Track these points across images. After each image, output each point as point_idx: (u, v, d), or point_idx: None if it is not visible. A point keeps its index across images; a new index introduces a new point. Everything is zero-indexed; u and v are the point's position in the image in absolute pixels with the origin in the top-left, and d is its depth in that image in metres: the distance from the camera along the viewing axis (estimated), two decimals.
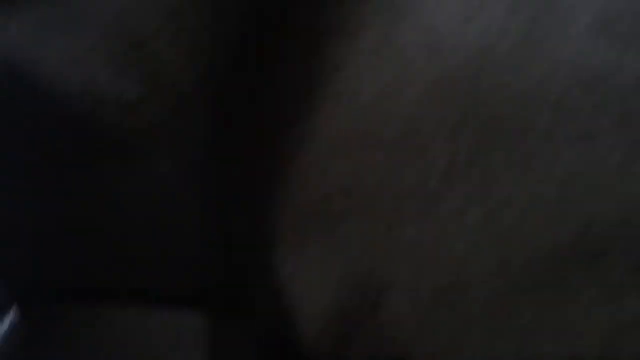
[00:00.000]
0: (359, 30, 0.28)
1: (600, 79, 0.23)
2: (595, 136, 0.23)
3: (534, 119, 0.24)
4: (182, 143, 0.34)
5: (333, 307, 0.30)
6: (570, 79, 0.24)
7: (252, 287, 0.37)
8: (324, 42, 0.28)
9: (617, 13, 0.24)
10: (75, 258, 0.48)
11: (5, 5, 0.31)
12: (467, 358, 0.25)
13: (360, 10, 0.28)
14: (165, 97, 0.32)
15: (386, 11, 0.27)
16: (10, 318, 0.58)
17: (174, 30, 0.31)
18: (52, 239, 0.47)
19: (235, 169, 0.33)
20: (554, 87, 0.24)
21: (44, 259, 0.51)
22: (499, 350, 0.25)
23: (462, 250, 0.25)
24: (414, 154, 0.26)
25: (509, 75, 0.25)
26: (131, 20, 0.31)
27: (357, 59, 0.28)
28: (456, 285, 0.25)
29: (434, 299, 0.26)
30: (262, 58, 0.31)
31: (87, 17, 0.31)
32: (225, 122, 0.33)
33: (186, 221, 0.39)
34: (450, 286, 0.25)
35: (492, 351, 0.25)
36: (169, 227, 0.41)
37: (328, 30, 0.28)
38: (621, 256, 0.23)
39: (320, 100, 0.27)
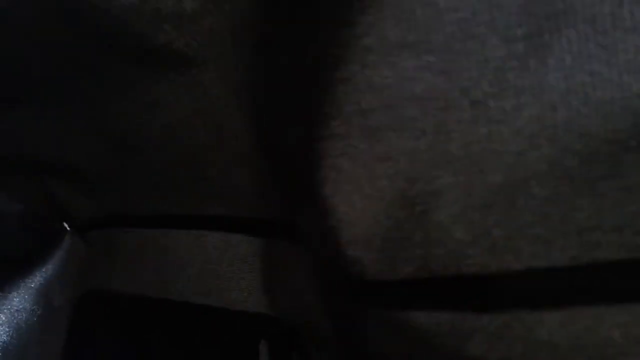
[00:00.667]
0: None
1: None
2: None
3: (596, 8, 0.23)
4: (232, 58, 0.34)
5: (379, 223, 0.29)
6: None
7: (299, 209, 0.37)
8: None
9: None
10: (132, 182, 0.49)
11: None
12: (522, 261, 0.25)
13: None
14: (220, 11, 0.32)
15: None
16: (66, 243, 0.61)
17: None
18: (106, 162, 0.48)
19: (282, 85, 0.33)
20: None
21: (99, 184, 0.52)
22: (555, 252, 0.24)
23: (517, 149, 0.24)
24: (466, 56, 0.25)
25: None
26: None
27: None
28: (511, 184, 0.24)
29: (487, 201, 0.25)
30: None
31: None
32: (273, 34, 0.32)
33: (235, 142, 0.39)
34: (505, 185, 0.25)
35: (548, 254, 0.24)
36: (218, 148, 0.41)
37: None
38: None
39: (363, 7, 0.27)
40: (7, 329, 0.58)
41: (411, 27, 0.26)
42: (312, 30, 0.29)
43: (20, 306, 0.60)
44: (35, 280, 0.61)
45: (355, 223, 0.30)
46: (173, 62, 0.35)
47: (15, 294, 0.60)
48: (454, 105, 0.26)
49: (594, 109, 0.23)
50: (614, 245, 0.23)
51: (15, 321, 0.59)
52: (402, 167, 0.27)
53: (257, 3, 0.32)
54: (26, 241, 0.63)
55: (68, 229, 0.64)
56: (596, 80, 0.23)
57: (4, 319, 0.59)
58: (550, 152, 0.24)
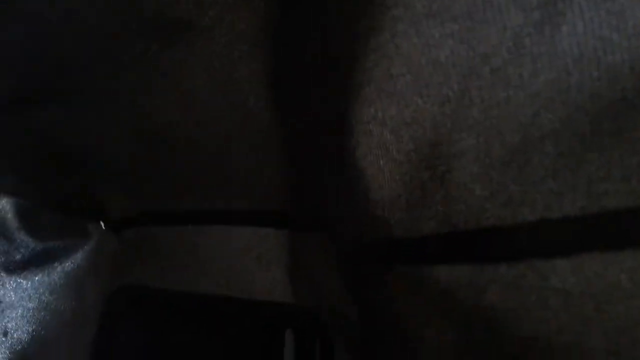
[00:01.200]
0: None
1: None
2: None
3: None
4: (259, 38, 0.36)
5: (404, 185, 0.32)
6: None
7: (326, 190, 0.39)
8: None
9: None
10: (165, 179, 0.52)
11: None
12: (535, 213, 0.27)
13: None
14: None
15: None
16: (100, 240, 0.63)
17: None
18: (140, 159, 0.51)
19: (311, 59, 0.35)
20: None
21: (132, 181, 0.55)
22: (567, 203, 0.26)
23: (533, 111, 0.26)
24: (486, 24, 0.27)
25: None
26: None
27: None
28: (527, 143, 0.27)
29: (505, 160, 0.27)
30: None
31: None
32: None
33: (263, 135, 0.41)
34: (521, 144, 0.27)
35: (560, 205, 0.26)
36: (248, 143, 0.43)
37: None
38: None
39: None
40: (40, 322, 0.61)
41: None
42: (342, 4, 0.31)
43: (54, 300, 0.62)
44: (69, 275, 0.64)
45: (383, 185, 0.33)
46: (196, 40, 0.37)
47: (49, 288, 0.63)
48: (475, 72, 0.28)
49: (605, 72, 0.25)
50: (622, 194, 0.25)
51: (48, 314, 0.62)
52: (427, 132, 0.30)
53: None
54: (61, 237, 0.65)
55: (102, 226, 0.66)
56: (606, 45, 0.25)
57: (37, 312, 0.61)
58: (563, 113, 0.26)
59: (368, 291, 0.39)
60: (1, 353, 0.58)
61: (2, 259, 0.61)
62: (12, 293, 0.61)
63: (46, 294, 0.62)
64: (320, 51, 0.34)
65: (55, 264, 0.63)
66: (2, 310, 0.60)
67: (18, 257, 0.62)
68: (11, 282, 0.62)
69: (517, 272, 0.28)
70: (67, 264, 0.63)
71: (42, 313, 0.61)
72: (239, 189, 0.50)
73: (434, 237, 0.31)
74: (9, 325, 0.60)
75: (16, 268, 0.62)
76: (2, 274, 0.62)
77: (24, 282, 0.62)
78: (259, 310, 0.49)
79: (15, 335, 0.59)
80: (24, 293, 0.61)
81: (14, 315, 0.60)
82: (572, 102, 0.25)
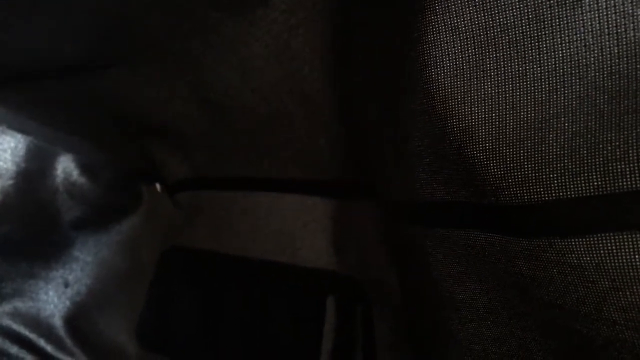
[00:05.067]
0: None
1: None
2: None
3: None
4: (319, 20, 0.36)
5: (433, 154, 0.32)
6: None
7: (375, 153, 0.39)
8: None
9: None
10: (221, 145, 0.53)
11: None
12: (551, 193, 0.27)
13: None
14: None
15: None
16: (155, 202, 0.67)
17: None
18: (199, 124, 0.53)
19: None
20: None
21: (191, 146, 0.57)
22: (581, 183, 0.26)
23: (549, 87, 0.26)
24: None
25: None
26: None
27: None
28: (542, 120, 0.26)
29: (518, 136, 0.27)
30: None
31: None
32: None
33: (318, 107, 0.42)
34: (536, 121, 0.26)
35: (575, 185, 0.26)
36: (302, 114, 0.44)
37: None
38: None
39: None
40: (97, 276, 0.65)
41: None
42: None
43: (110, 256, 0.66)
44: (125, 234, 0.68)
45: (421, 153, 0.33)
46: (258, 8, 0.37)
47: (106, 244, 0.67)
48: (493, 42, 0.27)
49: (626, 49, 0.24)
50: (638, 175, 0.24)
51: (105, 269, 0.66)
52: (438, 105, 0.29)
53: None
54: (120, 198, 0.69)
55: (158, 189, 0.69)
56: (629, 21, 0.24)
57: (95, 266, 0.65)
58: (581, 90, 0.25)
59: (409, 256, 0.40)
60: (62, 302, 0.63)
61: (67, 215, 0.66)
62: (74, 248, 0.66)
63: (104, 250, 0.66)
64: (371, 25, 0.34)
65: (114, 223, 0.67)
66: (65, 264, 0.65)
67: (80, 214, 0.66)
68: (74, 238, 0.66)
69: (538, 247, 0.28)
70: (124, 223, 0.67)
71: (100, 268, 0.65)
72: (290, 157, 0.52)
73: (469, 204, 0.31)
74: (70, 277, 0.65)
75: (78, 224, 0.66)
76: (66, 229, 0.66)
77: (85, 237, 0.66)
78: (303, 276, 0.51)
79: (75, 287, 0.64)
80: (85, 248, 0.66)
81: (74, 268, 0.65)
82: (590, 79, 0.25)
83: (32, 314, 0.63)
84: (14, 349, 0.61)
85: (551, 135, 0.26)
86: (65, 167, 0.66)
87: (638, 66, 0.23)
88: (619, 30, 0.24)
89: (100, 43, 0.45)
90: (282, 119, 0.47)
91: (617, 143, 0.24)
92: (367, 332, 0.46)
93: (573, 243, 0.26)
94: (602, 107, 0.24)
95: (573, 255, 0.27)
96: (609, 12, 0.24)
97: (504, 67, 0.27)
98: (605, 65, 0.24)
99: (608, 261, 0.25)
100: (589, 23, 0.24)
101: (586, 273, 0.27)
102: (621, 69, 0.24)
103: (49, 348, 0.62)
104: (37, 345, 0.62)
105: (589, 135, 0.25)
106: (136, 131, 0.61)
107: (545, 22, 0.26)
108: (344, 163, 0.48)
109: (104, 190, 0.67)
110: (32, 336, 0.62)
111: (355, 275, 0.48)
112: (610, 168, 0.25)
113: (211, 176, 0.62)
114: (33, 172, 0.64)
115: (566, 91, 0.25)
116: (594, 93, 0.24)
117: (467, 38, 0.28)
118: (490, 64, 0.27)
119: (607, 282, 0.26)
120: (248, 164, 0.56)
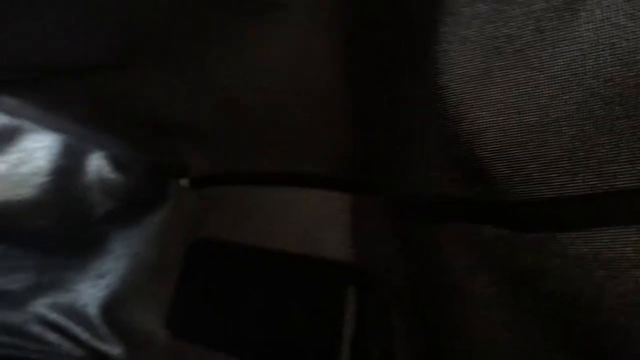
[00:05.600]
0: None
1: None
2: None
3: None
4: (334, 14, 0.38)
5: (443, 157, 0.34)
6: None
7: (387, 151, 0.42)
8: None
9: None
10: (241, 142, 0.56)
11: None
12: (552, 190, 0.29)
13: None
14: None
15: None
16: (182, 196, 0.70)
17: None
18: (219, 122, 0.55)
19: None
20: None
21: (213, 143, 0.60)
22: (578, 182, 0.28)
23: (550, 93, 0.28)
24: (512, 5, 0.29)
25: None
26: None
27: None
28: (544, 124, 0.28)
29: (523, 139, 0.29)
30: None
31: None
32: None
33: (335, 104, 0.44)
34: (539, 125, 0.29)
35: (573, 184, 0.28)
36: (321, 111, 0.46)
37: None
38: None
39: None
40: (129, 267, 0.68)
41: None
42: None
43: (142, 248, 0.69)
44: (154, 228, 0.71)
45: (431, 152, 0.36)
46: (280, 12, 0.40)
47: (137, 237, 0.70)
48: (499, 52, 0.30)
49: (619, 58, 0.26)
50: (628, 175, 0.26)
51: (136, 261, 0.69)
52: (450, 108, 0.32)
53: None
54: (149, 193, 0.72)
55: (185, 184, 0.72)
56: (622, 32, 0.26)
57: (128, 258, 0.68)
58: (578, 96, 0.27)
59: (421, 249, 0.43)
60: (96, 292, 0.67)
61: (100, 209, 0.69)
62: (107, 241, 0.69)
63: (135, 243, 0.69)
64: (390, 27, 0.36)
65: (143, 217, 0.71)
66: (98, 256, 0.68)
67: (112, 208, 0.70)
68: (106, 231, 0.70)
69: (541, 240, 0.30)
70: (153, 217, 0.71)
71: (131, 260, 0.69)
72: (309, 154, 0.54)
73: (479, 200, 0.34)
74: (103, 269, 0.68)
75: (111, 218, 0.70)
76: (99, 224, 0.69)
77: (117, 231, 0.70)
78: (323, 267, 0.53)
79: (108, 278, 0.68)
80: (117, 241, 0.69)
81: (107, 260, 0.69)
82: (587, 86, 0.27)
83: (68, 303, 0.66)
84: (52, 337, 0.65)
85: (552, 139, 0.28)
86: (98, 164, 0.69)
87: (630, 74, 0.26)
88: (613, 41, 0.26)
89: (123, 43, 0.48)
90: (301, 120, 0.49)
91: (610, 146, 0.27)
92: (385, 321, 0.48)
93: (573, 236, 0.29)
94: (597, 112, 0.27)
95: (573, 247, 0.29)
96: (604, 24, 0.26)
97: (509, 74, 0.29)
98: (600, 73, 0.26)
99: (604, 253, 0.28)
100: (585, 34, 0.27)
101: (585, 264, 0.29)
102: (615, 77, 0.26)
103: (84, 336, 0.66)
104: (73, 333, 0.65)
105: (585, 139, 0.27)
106: (160, 129, 0.63)
107: (546, 33, 0.28)
108: (358, 160, 0.50)
109: (134, 185, 0.71)
110: (69, 324, 0.66)
111: (372, 266, 0.50)
112: (603, 169, 0.27)
113: (232, 171, 0.65)
114: (67, 169, 0.68)
115: (565, 97, 0.27)
116: (590, 99, 0.27)
117: (475, 48, 0.30)
118: (496, 71, 0.30)
119: (603, 272, 0.28)
120: (269, 160, 0.59)
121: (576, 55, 0.27)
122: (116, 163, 0.70)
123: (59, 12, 0.40)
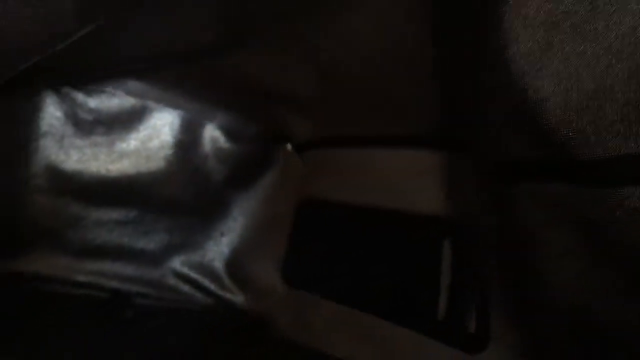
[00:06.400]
0: None
1: None
2: None
3: None
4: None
5: (513, 123, 0.38)
6: None
7: (474, 114, 0.46)
8: None
9: None
10: (338, 108, 0.62)
11: None
12: (607, 152, 0.32)
13: None
14: None
15: None
16: (287, 160, 0.78)
17: None
18: (318, 90, 0.61)
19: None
20: None
21: (312, 109, 0.67)
22: (631, 144, 0.31)
23: (606, 62, 0.31)
24: None
25: None
26: None
27: None
28: (600, 91, 0.31)
29: (582, 105, 0.32)
30: None
31: None
32: None
33: (418, 61, 0.48)
34: (596, 91, 0.31)
35: (626, 145, 0.31)
36: (409, 78, 0.50)
37: None
38: None
39: None
40: (243, 225, 0.77)
41: None
42: None
43: (255, 211, 0.78)
44: (265, 191, 0.79)
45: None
46: None
47: (247, 198, 0.78)
48: (557, 26, 0.33)
49: None
50: None
51: (251, 222, 0.77)
52: (517, 80, 0.35)
53: None
54: (257, 158, 0.80)
55: (290, 148, 0.79)
56: None
57: (242, 218, 0.78)
58: (630, 64, 0.30)
59: (501, 204, 0.47)
60: (220, 249, 0.77)
61: (217, 176, 0.78)
62: (225, 204, 0.78)
63: (249, 204, 0.78)
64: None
65: (255, 180, 0.79)
66: (219, 217, 0.78)
67: (228, 174, 0.78)
68: (224, 195, 0.78)
69: (603, 195, 0.33)
70: (264, 180, 0.79)
71: (247, 219, 0.78)
72: (402, 117, 0.58)
73: (545, 162, 0.37)
74: (224, 228, 0.77)
75: (227, 183, 0.78)
76: (217, 189, 0.78)
77: (233, 195, 0.79)
78: (419, 222, 0.57)
79: (229, 236, 0.77)
80: (234, 203, 0.78)
81: (227, 220, 0.78)
82: (638, 54, 0.29)
83: (197, 259, 0.76)
84: (185, 288, 0.75)
85: (607, 104, 0.31)
86: (212, 135, 0.78)
87: None
88: None
89: (229, 26, 0.53)
90: (392, 85, 0.53)
91: None
92: (480, 272, 0.51)
93: (630, 190, 0.32)
94: None
95: (630, 200, 0.32)
96: None
97: (567, 47, 0.32)
98: None
99: None
100: (636, 7, 0.29)
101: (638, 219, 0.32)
102: None
103: (212, 287, 0.76)
104: (203, 285, 0.76)
105: (637, 104, 0.30)
106: (268, 97, 0.69)
107: (599, 8, 0.30)
108: (445, 120, 0.53)
109: (245, 153, 0.79)
110: (198, 277, 0.76)
111: (463, 219, 0.54)
112: None
113: (332, 135, 0.71)
114: (187, 142, 0.76)
115: (619, 66, 0.30)
116: None
117: (535, 24, 0.33)
118: (556, 44, 0.33)
119: None
120: (363, 123, 0.64)
121: (628, 27, 0.29)
122: (228, 134, 0.78)
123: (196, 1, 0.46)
